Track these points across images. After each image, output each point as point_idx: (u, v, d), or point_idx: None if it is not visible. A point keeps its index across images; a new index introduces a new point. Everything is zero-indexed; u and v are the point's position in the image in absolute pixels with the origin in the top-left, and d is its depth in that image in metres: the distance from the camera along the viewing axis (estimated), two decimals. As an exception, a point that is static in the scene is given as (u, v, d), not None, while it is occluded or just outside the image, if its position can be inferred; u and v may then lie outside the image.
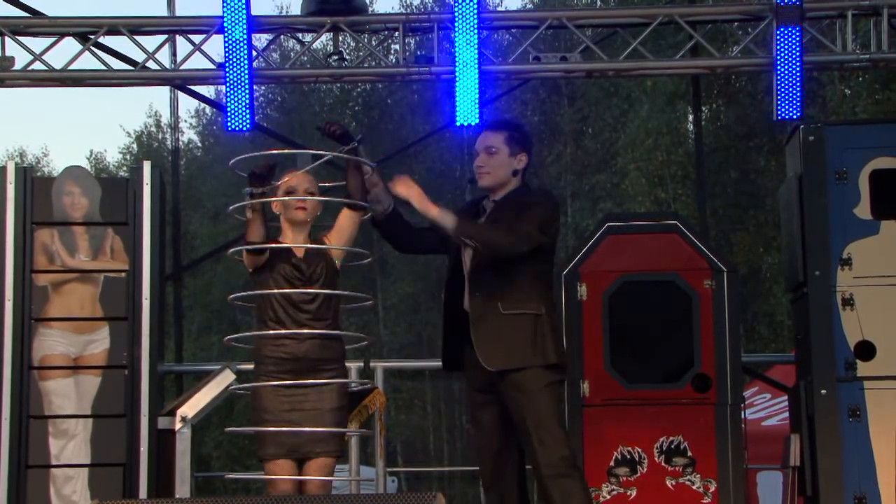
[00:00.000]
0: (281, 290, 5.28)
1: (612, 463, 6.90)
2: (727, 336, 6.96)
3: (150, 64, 8.33)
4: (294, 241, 5.40)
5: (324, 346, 5.33)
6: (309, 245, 5.39)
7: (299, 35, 8.80)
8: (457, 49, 7.91)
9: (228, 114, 7.95)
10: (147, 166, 7.22)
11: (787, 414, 8.07)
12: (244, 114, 7.92)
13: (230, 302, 5.54)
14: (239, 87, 7.91)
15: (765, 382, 10.11)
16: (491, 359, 5.04)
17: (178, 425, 6.96)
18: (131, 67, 8.48)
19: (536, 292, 5.11)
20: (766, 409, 10.55)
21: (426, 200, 5.04)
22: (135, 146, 36.37)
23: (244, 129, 7.99)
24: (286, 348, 5.30)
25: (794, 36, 7.76)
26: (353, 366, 7.47)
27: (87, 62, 8.34)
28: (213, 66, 8.24)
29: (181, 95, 10.05)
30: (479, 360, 5.06)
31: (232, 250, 5.66)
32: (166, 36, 8.42)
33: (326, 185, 5.80)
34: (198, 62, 8.35)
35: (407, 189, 5.08)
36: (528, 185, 5.29)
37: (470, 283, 5.17)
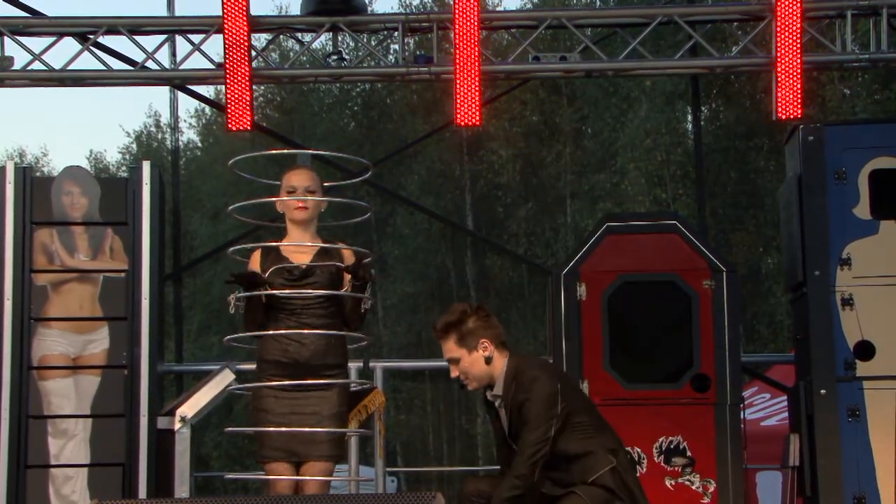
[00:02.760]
0: (282, 292, 5.28)
1: (611, 463, 6.89)
2: (727, 336, 6.97)
3: (150, 64, 8.33)
4: (300, 240, 5.40)
5: (327, 353, 5.33)
6: (309, 243, 5.39)
7: (299, 35, 8.80)
8: (456, 49, 7.91)
9: (228, 114, 7.95)
10: (147, 166, 7.21)
11: (786, 414, 8.07)
12: (244, 114, 7.92)
13: (228, 302, 5.53)
14: (238, 86, 7.91)
15: (764, 382, 10.11)
16: None
17: (177, 425, 6.95)
18: (131, 67, 8.48)
19: (598, 447, 4.99)
20: (765, 409, 10.55)
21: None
22: (134, 146, 36.34)
23: (244, 128, 7.99)
24: (289, 353, 5.29)
25: (793, 36, 7.76)
26: (353, 366, 7.46)
27: (87, 62, 8.34)
28: (213, 66, 8.25)
29: (181, 95, 10.05)
30: None
31: (232, 249, 5.66)
32: (166, 36, 8.42)
33: (326, 184, 5.80)
34: (197, 62, 8.36)
35: None
36: (517, 363, 5.03)
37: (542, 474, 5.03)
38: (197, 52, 8.29)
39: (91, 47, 8.30)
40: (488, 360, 5.00)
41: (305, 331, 5.27)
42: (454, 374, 5.06)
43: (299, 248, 5.37)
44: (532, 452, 4.88)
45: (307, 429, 5.22)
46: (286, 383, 5.24)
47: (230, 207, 5.56)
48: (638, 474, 6.88)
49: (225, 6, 7.95)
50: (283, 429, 5.22)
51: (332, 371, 5.34)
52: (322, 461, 5.26)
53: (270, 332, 5.30)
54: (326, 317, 5.34)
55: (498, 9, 23.31)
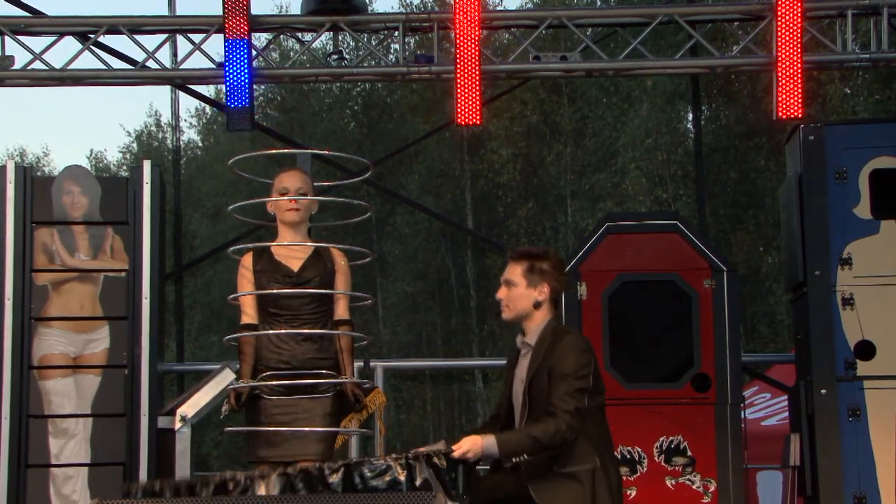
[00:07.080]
0: (280, 292, 5.29)
1: (611, 462, 6.89)
2: (727, 336, 6.97)
3: (151, 63, 8.32)
4: (292, 241, 5.40)
5: (319, 358, 5.33)
6: (304, 243, 5.39)
7: (299, 34, 8.79)
8: (457, 49, 7.90)
9: (229, 113, 7.95)
10: (147, 165, 7.21)
11: (786, 414, 8.07)
12: (244, 113, 7.92)
13: (230, 302, 5.55)
14: (239, 86, 7.91)
15: (765, 382, 10.11)
16: None
17: (177, 424, 6.95)
18: (131, 67, 8.48)
19: (591, 444, 4.89)
20: (765, 408, 10.55)
21: (479, 446, 4.77)
22: (135, 145, 36.38)
23: (244, 128, 7.99)
24: (283, 354, 5.30)
25: (793, 35, 7.76)
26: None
27: (87, 61, 8.33)
28: (214, 66, 8.24)
29: (181, 95, 10.05)
30: None
31: (231, 249, 5.66)
32: (166, 35, 8.42)
33: (325, 184, 5.80)
34: (198, 61, 8.35)
35: (464, 452, 4.76)
36: (558, 325, 5.06)
37: None
38: (197, 52, 8.29)
39: (92, 47, 8.30)
40: (537, 305, 5.01)
41: (304, 330, 5.28)
42: (500, 295, 5.07)
43: (292, 251, 5.38)
44: (563, 424, 4.74)
45: (306, 428, 5.22)
46: (285, 383, 5.25)
47: (230, 207, 5.57)
48: (638, 474, 6.93)
49: (225, 6, 7.95)
50: (283, 429, 5.23)
51: (326, 374, 5.35)
52: (312, 461, 5.25)
53: (270, 332, 5.31)
54: (321, 316, 5.36)
55: (498, 8, 23.32)
